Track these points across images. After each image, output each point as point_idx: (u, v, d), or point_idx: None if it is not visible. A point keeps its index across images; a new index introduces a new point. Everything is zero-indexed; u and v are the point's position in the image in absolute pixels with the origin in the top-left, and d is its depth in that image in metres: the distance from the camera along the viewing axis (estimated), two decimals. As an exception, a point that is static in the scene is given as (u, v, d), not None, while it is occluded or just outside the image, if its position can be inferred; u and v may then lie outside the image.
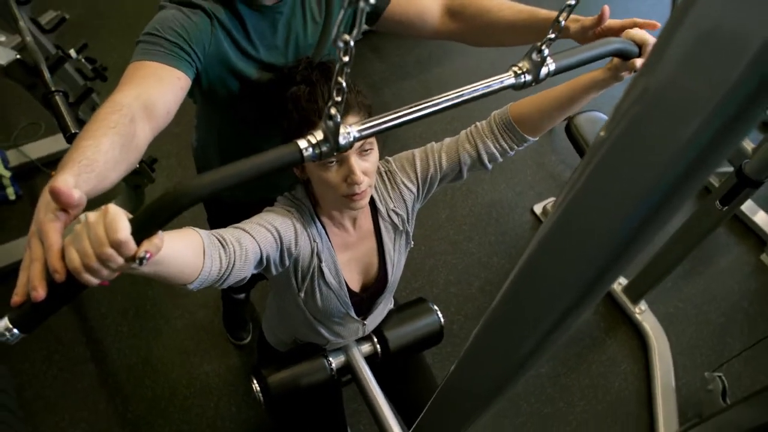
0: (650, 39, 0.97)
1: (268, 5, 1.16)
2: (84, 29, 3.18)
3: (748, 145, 2.18)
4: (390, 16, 1.25)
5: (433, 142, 1.23)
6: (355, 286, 1.28)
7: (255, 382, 1.36)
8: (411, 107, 0.72)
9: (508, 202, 2.87)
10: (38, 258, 0.66)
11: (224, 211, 1.41)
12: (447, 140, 1.22)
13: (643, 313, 2.49)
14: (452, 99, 0.75)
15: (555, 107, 1.11)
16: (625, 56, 0.97)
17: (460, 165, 1.19)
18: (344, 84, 0.59)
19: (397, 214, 1.24)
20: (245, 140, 1.35)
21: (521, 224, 2.79)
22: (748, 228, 2.94)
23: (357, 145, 1.03)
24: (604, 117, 2.49)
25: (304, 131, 1.00)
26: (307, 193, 1.17)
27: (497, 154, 1.18)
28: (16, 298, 0.66)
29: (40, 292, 0.65)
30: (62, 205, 0.67)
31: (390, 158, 1.25)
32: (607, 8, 1.05)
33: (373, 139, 1.07)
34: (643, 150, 0.39)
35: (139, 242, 0.63)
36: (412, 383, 1.57)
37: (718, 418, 1.83)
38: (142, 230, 0.63)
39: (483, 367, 0.75)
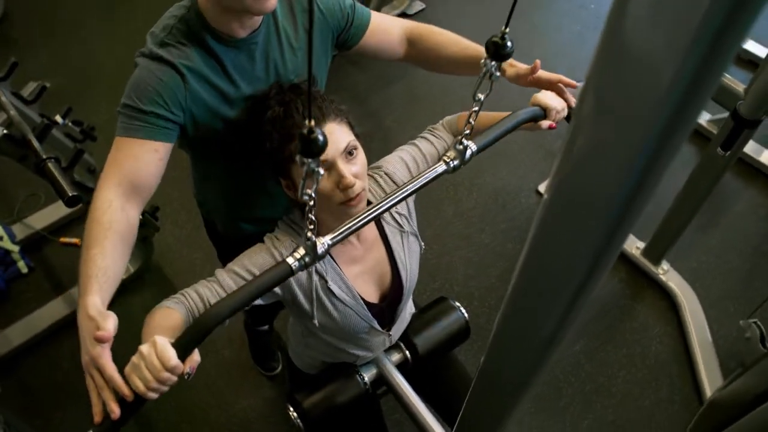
0: (552, 104, 1.18)
1: (242, 38, 1.16)
2: (66, 94, 3.21)
3: (739, 86, 2.16)
4: (363, 47, 1.35)
5: (412, 144, 1.32)
6: (373, 298, 1.27)
7: (291, 409, 1.36)
8: (370, 210, 0.93)
9: (513, 187, 2.86)
10: (103, 386, 0.86)
11: (234, 246, 1.42)
12: (421, 141, 1.32)
13: (666, 273, 2.47)
14: (402, 194, 0.97)
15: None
16: (534, 120, 1.17)
17: (440, 157, 1.27)
18: (313, 217, 0.75)
19: (400, 214, 1.25)
20: (242, 177, 1.36)
21: (529, 206, 2.78)
22: (756, 170, 2.91)
23: (341, 148, 1.05)
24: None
25: (286, 147, 1.02)
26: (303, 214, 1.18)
27: None
28: (97, 418, 0.86)
29: (117, 412, 0.84)
30: (105, 342, 0.87)
31: (380, 163, 1.27)
32: (538, 62, 1.23)
33: (358, 143, 1.09)
34: (626, 103, 0.38)
35: (183, 360, 0.83)
36: (446, 381, 1.56)
37: (761, 365, 1.80)
38: (184, 352, 0.84)
39: (513, 351, 0.74)
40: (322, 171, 0.67)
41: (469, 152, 0.99)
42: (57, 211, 2.65)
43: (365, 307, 1.24)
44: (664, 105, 0.36)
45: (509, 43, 0.80)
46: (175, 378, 0.83)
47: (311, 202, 0.73)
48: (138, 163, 1.10)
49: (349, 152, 1.07)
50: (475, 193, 2.85)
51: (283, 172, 1.12)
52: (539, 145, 3.00)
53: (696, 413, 2.07)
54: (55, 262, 2.59)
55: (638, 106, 0.37)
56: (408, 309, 1.44)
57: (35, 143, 1.69)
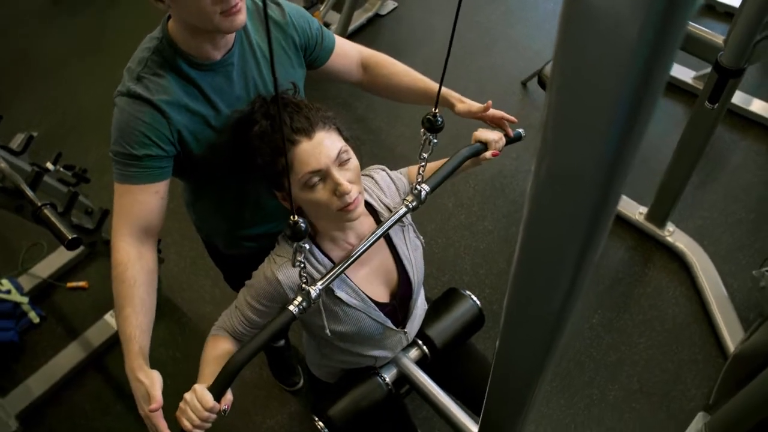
0: (490, 137, 1.30)
1: (217, 60, 1.16)
2: (55, 140, 3.22)
3: (718, 38, 2.16)
4: (327, 69, 1.40)
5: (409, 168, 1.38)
6: (383, 297, 1.27)
7: (317, 420, 1.35)
8: (350, 256, 1.11)
9: (508, 170, 2.86)
10: None
11: (238, 266, 1.43)
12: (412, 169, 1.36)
13: (672, 234, 2.46)
14: (376, 236, 1.14)
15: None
16: (477, 155, 1.30)
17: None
18: (306, 276, 1.01)
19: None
20: (234, 194, 1.36)
21: (527, 188, 2.77)
22: (748, 120, 2.90)
23: (333, 156, 1.05)
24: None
25: (278, 160, 1.03)
26: None
27: None
28: None
29: None
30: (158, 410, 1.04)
31: (382, 167, 1.31)
32: (490, 102, 1.35)
33: (348, 147, 1.10)
34: (595, 66, 0.38)
35: (218, 401, 1.01)
36: (468, 371, 1.55)
37: (779, 311, 1.80)
38: (218, 394, 1.01)
39: (525, 329, 0.73)
40: (308, 246, 0.92)
41: (423, 193, 1.17)
42: (60, 257, 2.66)
43: (376, 308, 1.24)
44: (634, 61, 0.36)
45: (440, 119, 1.05)
46: (214, 416, 1.01)
47: (302, 265, 0.97)
48: (143, 208, 1.17)
49: (342, 159, 1.07)
50: (471, 181, 2.84)
51: (277, 185, 1.12)
52: (527, 124, 2.98)
53: (721, 369, 2.06)
54: (66, 307, 2.59)
55: (608, 67, 0.37)
56: (421, 305, 1.44)
57: (29, 192, 1.70)
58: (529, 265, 0.61)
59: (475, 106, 1.37)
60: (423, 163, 1.12)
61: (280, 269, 1.14)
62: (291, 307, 1.02)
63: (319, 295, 1.04)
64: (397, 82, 1.44)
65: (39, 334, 2.51)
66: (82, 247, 2.22)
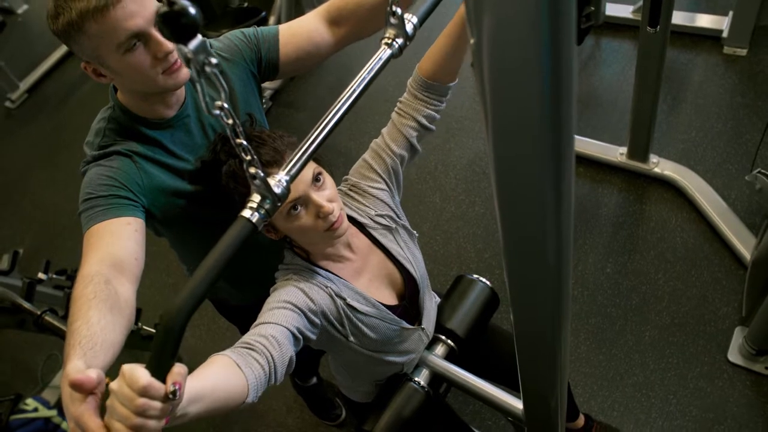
0: None
1: (172, 116, 1.17)
2: (40, 251, 3.21)
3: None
4: (286, 59, 1.28)
5: (375, 139, 1.29)
6: (392, 300, 1.27)
7: (365, 441, 1.34)
8: (319, 126, 0.79)
9: (483, 152, 2.87)
10: None
11: (252, 315, 1.42)
12: (384, 130, 1.28)
13: (658, 164, 2.47)
14: (350, 97, 0.81)
15: (452, 45, 1.16)
16: None
17: (409, 141, 1.25)
18: (245, 142, 0.63)
19: (382, 216, 1.25)
20: (217, 234, 1.35)
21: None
22: (697, 36, 2.93)
23: (309, 180, 1.04)
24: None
25: None
26: (293, 251, 1.18)
27: (433, 113, 1.24)
28: None
29: None
30: (86, 391, 0.72)
31: (346, 176, 1.28)
32: None
33: (321, 168, 1.09)
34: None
35: (163, 381, 0.66)
36: (502, 351, 1.54)
37: (780, 206, 1.80)
38: (159, 369, 0.66)
39: (532, 288, 0.73)
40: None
41: (409, 25, 0.84)
42: (77, 361, 2.64)
43: (388, 311, 1.23)
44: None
45: None
46: (156, 404, 0.65)
47: (227, 105, 0.65)
48: (114, 238, 1.04)
49: (316, 179, 1.07)
50: (451, 172, 2.85)
51: None
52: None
53: (744, 280, 2.06)
54: (96, 409, 2.57)
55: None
56: (431, 300, 1.43)
57: (26, 304, 1.70)
58: (513, 220, 0.61)
59: None
60: None
61: (293, 281, 1.11)
62: (245, 212, 0.66)
63: (286, 190, 0.68)
64: (371, 3, 1.24)
65: (76, 442, 2.48)
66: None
